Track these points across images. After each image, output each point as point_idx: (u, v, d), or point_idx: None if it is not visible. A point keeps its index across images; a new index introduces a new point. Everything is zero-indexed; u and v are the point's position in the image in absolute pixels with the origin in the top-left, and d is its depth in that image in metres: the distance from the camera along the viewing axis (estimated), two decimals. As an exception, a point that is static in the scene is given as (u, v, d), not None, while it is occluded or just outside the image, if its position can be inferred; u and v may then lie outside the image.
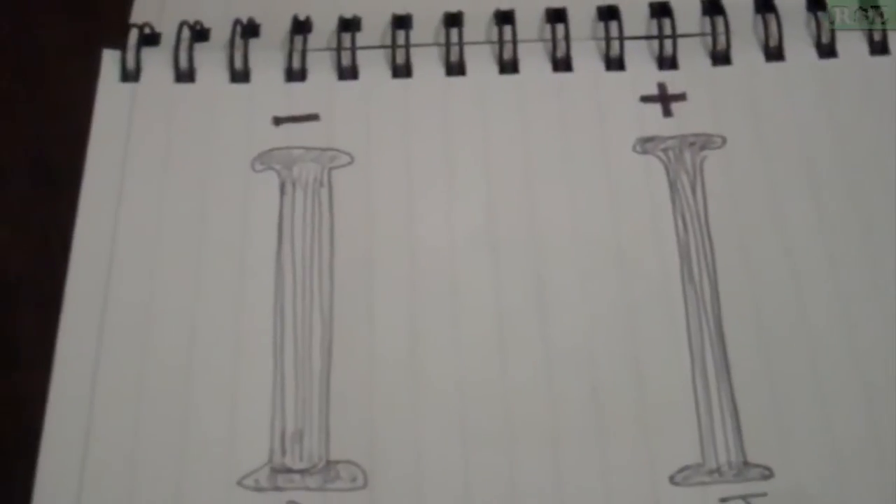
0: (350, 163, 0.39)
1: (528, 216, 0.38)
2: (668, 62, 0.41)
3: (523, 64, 0.41)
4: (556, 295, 0.37)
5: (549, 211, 0.38)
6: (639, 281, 0.37)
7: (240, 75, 0.41)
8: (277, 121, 0.40)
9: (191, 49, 0.41)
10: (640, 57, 0.41)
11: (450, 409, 0.35)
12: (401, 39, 0.41)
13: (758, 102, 0.40)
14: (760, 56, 0.41)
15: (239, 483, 0.34)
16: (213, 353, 0.35)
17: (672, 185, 0.39)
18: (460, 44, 0.41)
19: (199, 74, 0.41)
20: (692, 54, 0.41)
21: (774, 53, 0.41)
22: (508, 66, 0.41)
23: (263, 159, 0.39)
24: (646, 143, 0.39)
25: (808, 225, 0.38)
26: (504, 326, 0.36)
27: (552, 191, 0.39)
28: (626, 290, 0.37)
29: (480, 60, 0.41)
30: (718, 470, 0.34)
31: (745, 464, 0.34)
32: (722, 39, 0.41)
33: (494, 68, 0.41)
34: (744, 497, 0.33)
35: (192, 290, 0.36)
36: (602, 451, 0.34)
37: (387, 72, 0.41)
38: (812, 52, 0.41)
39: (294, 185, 0.39)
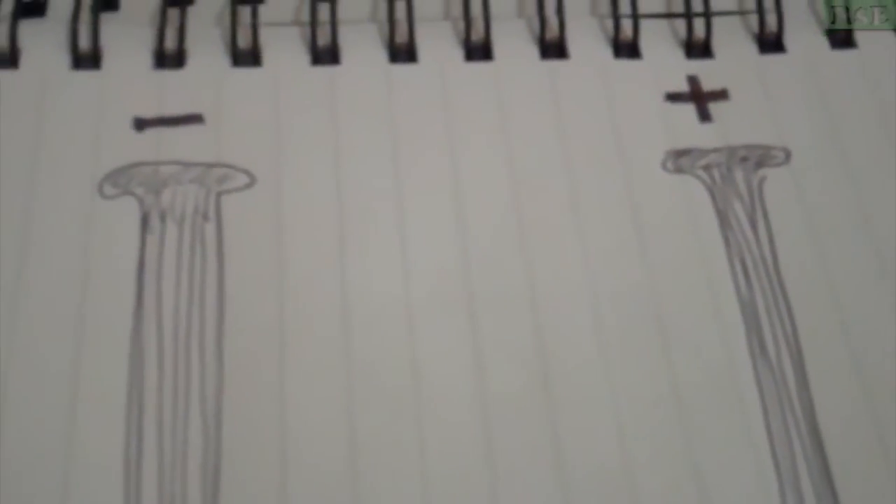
0: (249, 185, 0.27)
1: (518, 267, 0.27)
2: (699, 48, 0.31)
3: (498, 47, 0.31)
4: (565, 383, 0.25)
5: (547, 258, 0.27)
6: (687, 361, 0.25)
7: (87, 59, 0.29)
8: (140, 124, 0.28)
9: (14, 24, 0.29)
10: (660, 40, 0.31)
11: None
12: (324, 14, 0.30)
13: (827, 101, 0.30)
14: (823, 41, 0.31)
15: None
16: (37, 472, 0.23)
17: (722, 217, 0.27)
18: (410, 19, 0.30)
19: (27, 56, 0.29)
20: (731, 38, 0.31)
21: (842, 38, 0.31)
22: (478, 51, 0.31)
23: (118, 179, 0.27)
24: (679, 159, 0.28)
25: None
26: (493, 434, 0.24)
27: (550, 227, 0.27)
28: (669, 375, 0.25)
29: (438, 42, 0.30)
30: None
31: None
32: (771, 18, 0.31)
33: (458, 53, 0.31)
34: None
35: (5, 371, 0.24)
36: None
37: (304, 56, 0.30)
38: (890, 36, 0.31)
39: (164, 217, 0.27)
